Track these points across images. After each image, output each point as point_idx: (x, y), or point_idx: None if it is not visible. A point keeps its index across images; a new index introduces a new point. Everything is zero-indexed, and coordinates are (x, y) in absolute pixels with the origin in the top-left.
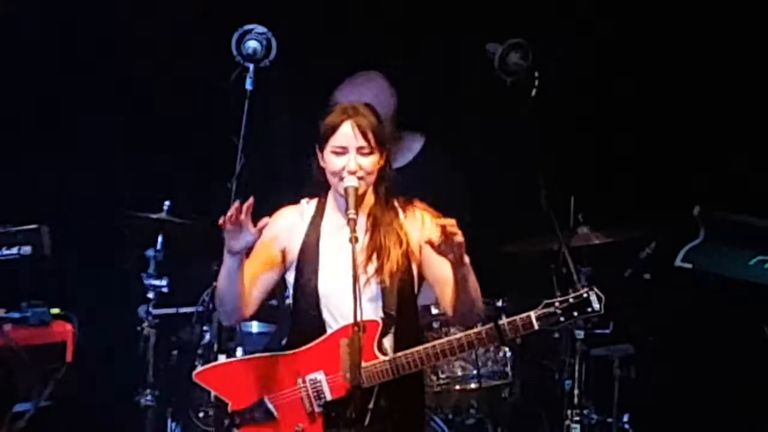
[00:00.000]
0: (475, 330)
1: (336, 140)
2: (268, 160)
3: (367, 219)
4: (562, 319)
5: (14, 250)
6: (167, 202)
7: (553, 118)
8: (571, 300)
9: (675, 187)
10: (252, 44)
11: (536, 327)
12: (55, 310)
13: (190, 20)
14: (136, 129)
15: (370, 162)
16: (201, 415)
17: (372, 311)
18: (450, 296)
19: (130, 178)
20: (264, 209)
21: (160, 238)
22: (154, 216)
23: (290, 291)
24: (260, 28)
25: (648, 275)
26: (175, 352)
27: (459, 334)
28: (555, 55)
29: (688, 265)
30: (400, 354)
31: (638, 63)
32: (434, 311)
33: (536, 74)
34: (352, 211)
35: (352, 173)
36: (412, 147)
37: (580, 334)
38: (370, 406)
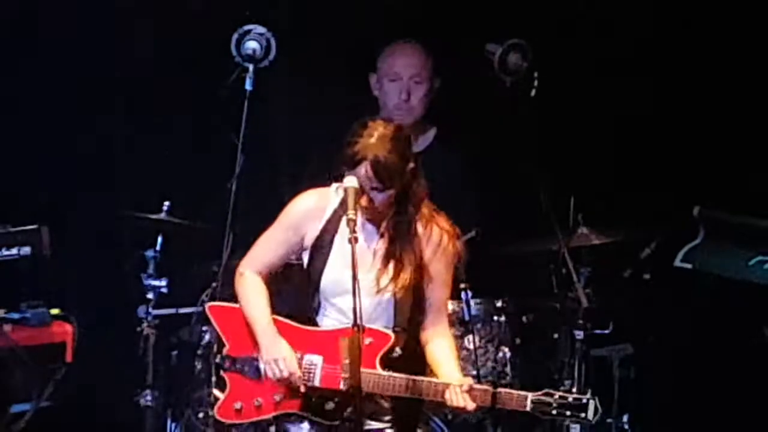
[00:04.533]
0: (473, 386)
1: (356, 179)
2: (268, 160)
3: (386, 229)
4: (553, 412)
5: (14, 251)
6: (167, 203)
7: (553, 119)
8: (570, 399)
9: (675, 187)
10: (251, 45)
11: (528, 409)
12: (54, 311)
13: (190, 20)
14: (136, 129)
15: (385, 196)
16: (201, 415)
17: (381, 320)
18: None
19: (130, 178)
20: (264, 209)
21: (159, 239)
22: (154, 216)
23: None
24: (260, 29)
25: (648, 275)
26: (174, 353)
27: (456, 382)
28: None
29: (688, 266)
30: (393, 374)
31: (638, 63)
32: None
33: (536, 74)
34: (351, 211)
35: (366, 208)
36: (428, 135)
37: (579, 334)
38: (349, 409)
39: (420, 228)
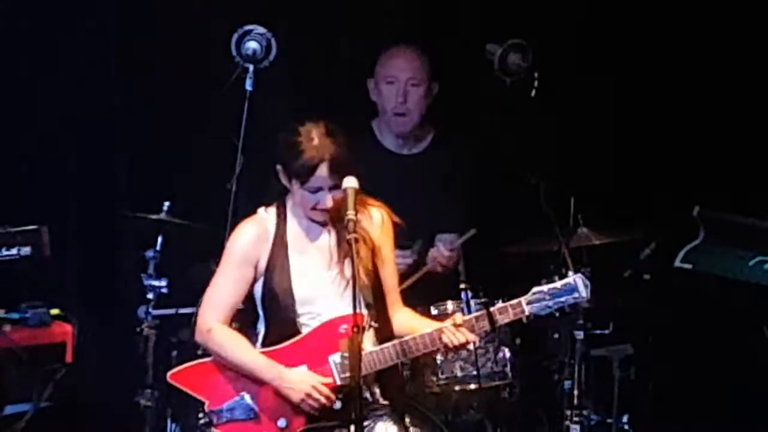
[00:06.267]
0: (465, 317)
1: (313, 182)
2: (268, 160)
3: (328, 228)
4: (550, 304)
5: (14, 251)
6: (167, 203)
7: (553, 118)
8: (558, 286)
9: (675, 187)
10: (252, 45)
11: (527, 312)
12: (54, 311)
13: (190, 20)
14: (136, 129)
15: (340, 191)
16: (201, 415)
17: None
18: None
19: (130, 178)
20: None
21: (159, 239)
22: (154, 217)
23: (258, 298)
24: (260, 29)
25: (648, 276)
26: (174, 353)
27: (447, 322)
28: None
29: (688, 266)
30: (388, 344)
31: (639, 63)
32: (434, 311)
33: (536, 74)
34: (351, 212)
35: (325, 210)
36: (427, 137)
37: (579, 334)
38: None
39: (360, 212)
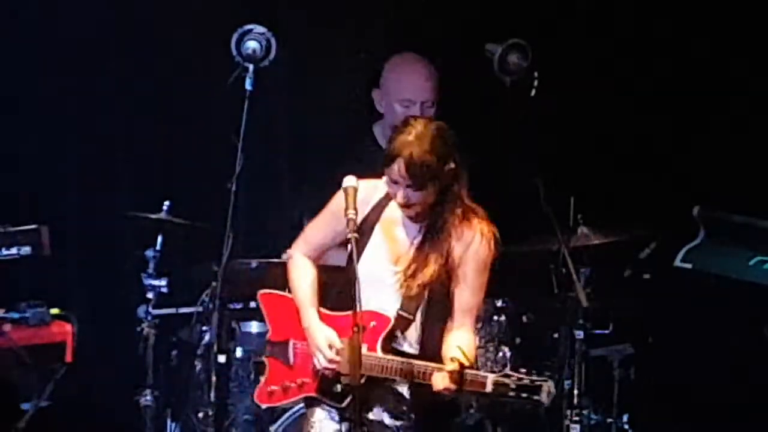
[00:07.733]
0: (448, 367)
1: (389, 173)
2: (268, 160)
3: (421, 228)
4: (511, 394)
5: (14, 250)
6: (167, 202)
7: (553, 118)
8: (526, 381)
9: (675, 187)
10: (252, 44)
11: (488, 390)
12: (54, 310)
13: (190, 20)
14: (136, 129)
15: (420, 195)
16: (200, 415)
17: (393, 310)
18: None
19: (130, 178)
20: (264, 209)
21: (159, 238)
22: (154, 216)
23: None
24: (260, 28)
25: (648, 275)
26: (174, 352)
27: (434, 364)
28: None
29: (688, 265)
30: (385, 357)
31: (639, 62)
32: None
33: (536, 74)
34: (351, 211)
35: (402, 205)
36: None
37: (579, 334)
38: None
39: (453, 227)
